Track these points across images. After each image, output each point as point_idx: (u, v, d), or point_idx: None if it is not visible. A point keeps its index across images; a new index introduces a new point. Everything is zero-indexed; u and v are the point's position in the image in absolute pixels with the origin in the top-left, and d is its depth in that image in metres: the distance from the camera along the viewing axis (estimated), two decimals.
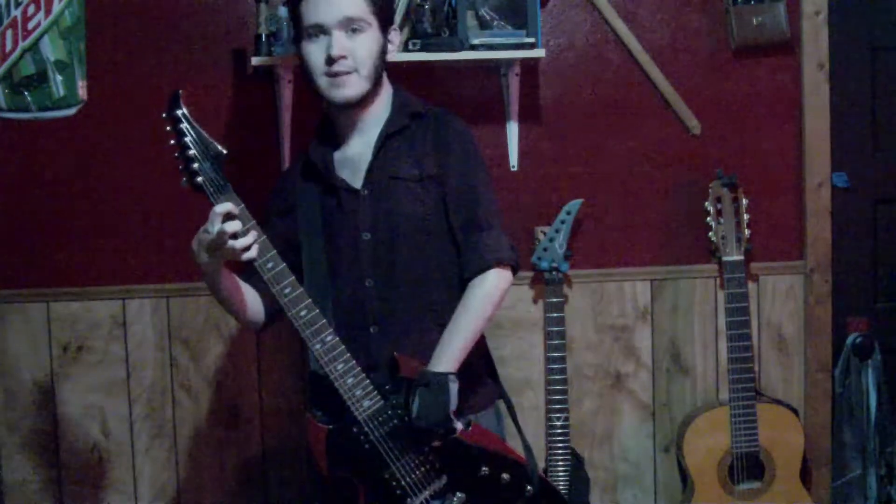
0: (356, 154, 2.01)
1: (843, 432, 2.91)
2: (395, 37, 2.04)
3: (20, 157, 2.74)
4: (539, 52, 2.60)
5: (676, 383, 2.89)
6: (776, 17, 2.76)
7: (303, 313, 1.82)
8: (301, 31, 1.94)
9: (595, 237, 2.84)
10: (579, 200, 2.71)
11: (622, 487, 2.90)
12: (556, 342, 2.64)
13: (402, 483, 1.85)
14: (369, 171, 1.98)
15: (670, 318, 2.87)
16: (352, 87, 1.92)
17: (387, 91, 2.03)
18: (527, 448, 2.01)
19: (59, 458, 2.80)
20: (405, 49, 2.59)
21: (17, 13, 2.69)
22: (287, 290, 1.82)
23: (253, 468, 2.83)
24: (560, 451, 2.64)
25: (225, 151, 1.77)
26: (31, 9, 2.69)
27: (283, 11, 2.57)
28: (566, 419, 2.64)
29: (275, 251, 1.81)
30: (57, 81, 2.72)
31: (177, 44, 2.72)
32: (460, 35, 2.58)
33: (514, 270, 2.00)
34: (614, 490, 2.90)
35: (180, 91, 1.77)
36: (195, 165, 1.74)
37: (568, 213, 2.69)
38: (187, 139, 1.74)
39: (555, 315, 2.65)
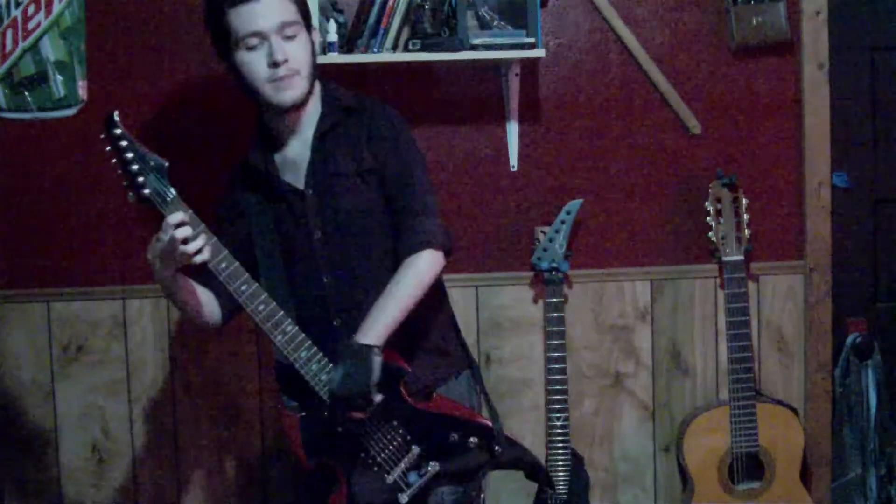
0: (296, 155, 2.04)
1: (843, 432, 2.91)
2: (316, 37, 2.06)
3: (20, 157, 2.74)
4: (539, 52, 2.60)
5: (676, 383, 2.89)
6: (776, 17, 2.76)
7: (261, 308, 1.88)
8: (230, 44, 1.93)
9: (595, 237, 2.84)
10: (579, 200, 2.71)
11: (622, 487, 2.90)
12: (556, 342, 2.64)
13: (378, 459, 1.92)
14: (310, 170, 2.01)
15: (670, 318, 2.87)
16: (297, 88, 1.94)
17: (317, 89, 2.05)
18: (492, 410, 2.08)
19: (59, 458, 2.80)
20: (405, 49, 2.59)
21: (17, 13, 2.69)
22: (244, 288, 1.87)
23: (253, 468, 2.84)
24: (560, 451, 2.64)
25: (167, 163, 1.80)
26: (32, 9, 2.69)
27: None
28: (566, 419, 2.64)
29: (227, 252, 1.86)
30: (57, 81, 2.72)
31: (177, 44, 2.72)
32: (460, 35, 2.58)
33: (447, 254, 2.03)
34: (614, 490, 2.90)
35: (115, 112, 1.79)
36: (140, 179, 1.77)
37: (568, 213, 2.69)
38: (128, 155, 1.77)
39: (555, 315, 2.65)
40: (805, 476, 2.76)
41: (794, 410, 2.73)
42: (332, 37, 2.56)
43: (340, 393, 1.84)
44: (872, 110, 2.97)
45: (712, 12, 2.81)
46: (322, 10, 2.56)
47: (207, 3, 1.98)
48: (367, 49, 2.58)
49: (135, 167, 1.77)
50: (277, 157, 2.05)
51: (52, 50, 2.71)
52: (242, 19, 1.90)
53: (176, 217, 1.77)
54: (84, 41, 2.71)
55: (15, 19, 2.70)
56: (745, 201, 2.70)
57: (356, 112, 2.04)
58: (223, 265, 1.86)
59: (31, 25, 2.70)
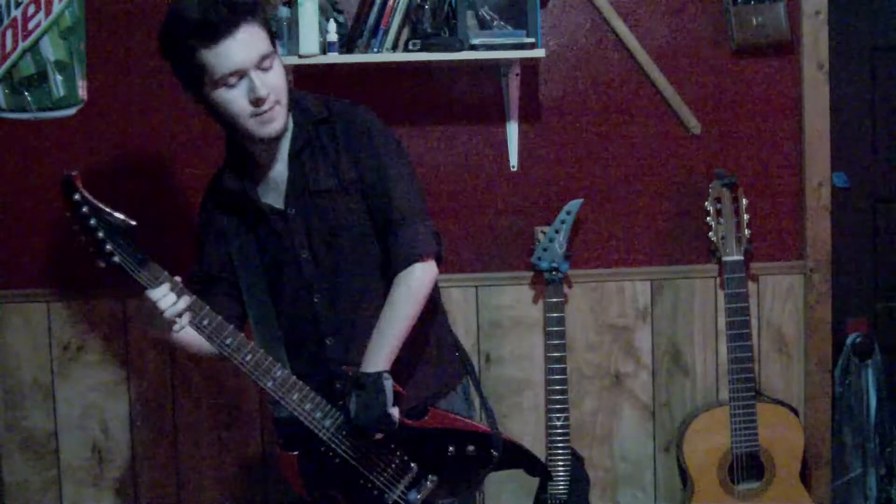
0: (277, 175, 1.96)
1: (843, 432, 2.91)
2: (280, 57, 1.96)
3: (20, 157, 2.74)
4: (539, 52, 2.60)
5: (676, 383, 2.89)
6: (776, 17, 2.76)
7: (248, 358, 1.85)
8: (204, 82, 1.82)
9: (595, 237, 2.84)
10: (579, 200, 2.71)
11: (622, 487, 2.90)
12: (556, 342, 2.64)
13: (378, 483, 1.92)
14: (289, 189, 1.94)
15: (670, 318, 2.87)
16: (280, 119, 1.87)
17: None
18: (489, 413, 2.06)
19: (59, 458, 2.80)
20: (405, 49, 2.59)
21: (17, 13, 2.69)
22: (229, 341, 1.84)
23: (253, 468, 2.84)
24: (560, 451, 2.64)
25: (133, 223, 1.73)
26: (32, 9, 2.69)
27: (283, 12, 2.57)
28: (566, 419, 2.64)
29: (208, 307, 1.82)
30: (57, 81, 2.72)
31: None
32: (460, 35, 2.58)
33: (438, 260, 1.97)
34: (614, 490, 2.90)
35: (73, 174, 1.70)
36: (108, 246, 1.71)
37: (568, 213, 2.69)
38: (92, 222, 1.70)
39: (555, 315, 2.65)
40: (805, 476, 2.76)
41: (794, 410, 2.73)
42: (333, 37, 2.56)
43: (361, 425, 1.82)
44: (872, 110, 2.97)
45: (712, 12, 2.81)
46: (322, 10, 2.56)
47: (169, 39, 1.85)
48: (367, 49, 2.58)
49: (100, 234, 1.70)
50: (260, 179, 1.97)
51: (52, 50, 2.70)
52: (220, 58, 1.78)
53: (155, 293, 1.75)
54: (84, 41, 2.71)
55: (15, 19, 2.70)
56: (744, 201, 2.70)
57: (327, 122, 1.96)
58: (206, 322, 1.82)
59: (31, 25, 2.70)
